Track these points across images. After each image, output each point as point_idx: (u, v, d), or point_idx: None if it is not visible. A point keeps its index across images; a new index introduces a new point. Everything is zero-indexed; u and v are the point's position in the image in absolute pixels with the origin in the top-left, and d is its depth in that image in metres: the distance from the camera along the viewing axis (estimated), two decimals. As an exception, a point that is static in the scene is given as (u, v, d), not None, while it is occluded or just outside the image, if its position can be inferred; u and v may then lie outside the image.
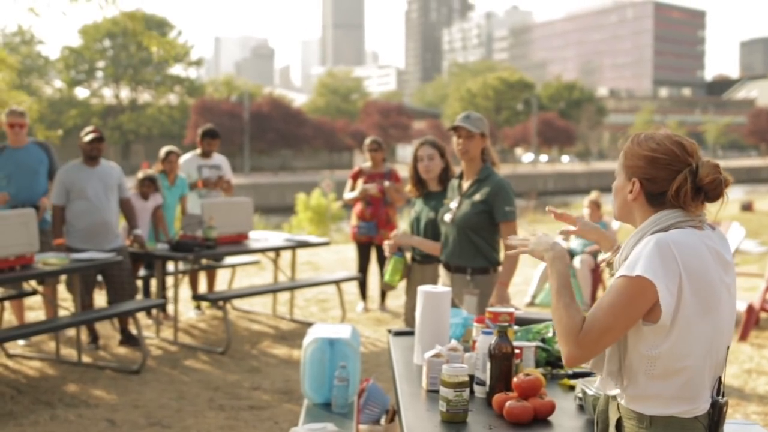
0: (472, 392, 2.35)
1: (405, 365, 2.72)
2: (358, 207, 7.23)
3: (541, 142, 63.52)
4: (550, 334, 2.69)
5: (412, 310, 3.83)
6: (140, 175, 6.78)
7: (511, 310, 2.65)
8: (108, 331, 6.50)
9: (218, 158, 7.39)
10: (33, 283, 5.81)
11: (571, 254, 7.88)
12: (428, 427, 2.13)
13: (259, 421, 4.44)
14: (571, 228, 2.34)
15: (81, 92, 56.40)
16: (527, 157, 71.26)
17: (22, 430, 4.28)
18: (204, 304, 7.27)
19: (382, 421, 3.20)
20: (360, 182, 7.20)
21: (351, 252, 10.68)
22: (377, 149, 7.22)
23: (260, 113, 49.72)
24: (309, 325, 6.04)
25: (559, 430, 2.12)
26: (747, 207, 20.69)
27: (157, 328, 6.42)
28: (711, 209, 1.92)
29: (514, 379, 2.24)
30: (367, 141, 7.37)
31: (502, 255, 3.96)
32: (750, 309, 6.28)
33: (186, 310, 7.29)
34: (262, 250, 6.88)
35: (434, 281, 4.20)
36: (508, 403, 2.15)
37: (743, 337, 6.23)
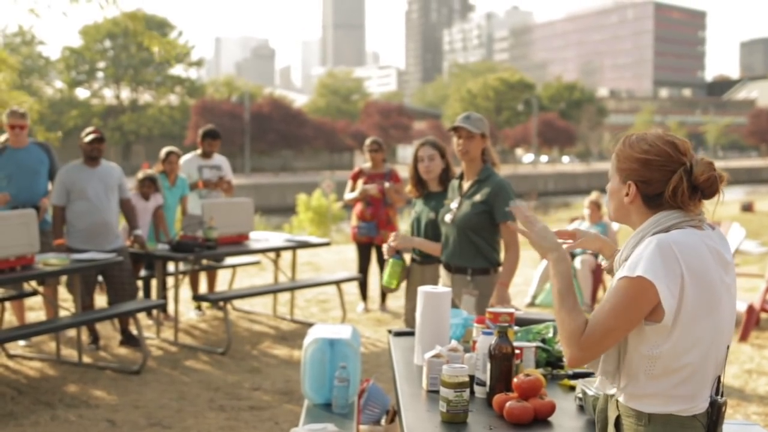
0: (472, 393, 2.35)
1: (405, 366, 2.72)
2: (358, 207, 7.23)
3: (542, 142, 63.52)
4: (550, 335, 2.69)
5: (412, 311, 3.83)
6: (140, 175, 6.78)
7: (511, 310, 2.65)
8: (108, 331, 6.50)
9: (219, 159, 7.39)
10: (33, 283, 5.81)
11: (572, 255, 7.88)
12: (428, 428, 2.13)
13: (260, 422, 4.45)
14: (569, 242, 2.31)
15: (82, 93, 56.45)
16: (528, 157, 71.28)
17: (23, 430, 4.29)
18: (204, 304, 7.27)
19: (383, 421, 3.20)
20: (360, 183, 7.20)
21: (351, 252, 10.68)
22: (377, 150, 7.22)
23: (261, 114, 49.74)
24: (309, 325, 6.04)
25: (559, 431, 2.12)
26: (747, 208, 20.69)
27: (158, 328, 6.42)
28: (708, 208, 1.92)
29: (515, 380, 2.24)
30: (368, 141, 7.38)
31: (502, 255, 3.96)
32: (750, 309, 6.28)
33: (186, 310, 7.29)
34: (263, 251, 6.88)
35: (434, 282, 4.20)
36: (508, 404, 2.15)
37: (743, 337, 6.23)
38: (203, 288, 7.49)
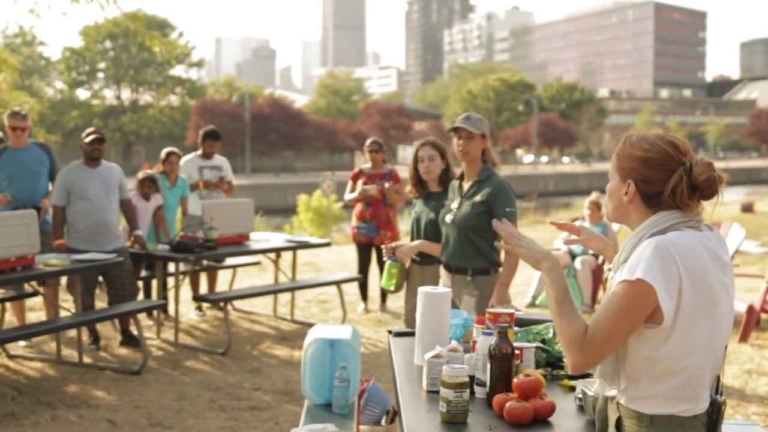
0: (472, 393, 2.35)
1: (405, 366, 2.72)
2: (358, 208, 7.23)
3: (542, 143, 63.53)
4: (550, 335, 2.69)
5: (412, 311, 3.83)
6: (141, 175, 6.79)
7: (511, 310, 2.65)
8: (109, 331, 6.50)
9: (219, 159, 7.39)
10: (34, 284, 5.82)
11: (572, 255, 7.88)
12: (428, 428, 2.13)
13: (260, 422, 4.45)
14: (574, 237, 2.33)
15: (82, 93, 56.51)
16: (528, 158, 71.28)
17: (23, 430, 4.29)
18: (205, 305, 7.28)
19: (383, 421, 3.20)
20: (360, 183, 7.20)
21: (352, 253, 10.68)
22: (377, 150, 7.23)
23: (261, 114, 49.76)
24: (310, 325, 6.04)
25: (559, 431, 2.12)
26: (747, 208, 20.68)
27: (158, 328, 6.42)
28: (707, 209, 1.92)
29: (515, 380, 2.24)
30: (368, 142, 7.38)
31: (502, 256, 3.96)
32: (750, 310, 6.28)
33: (187, 310, 7.30)
34: (263, 251, 6.89)
35: (435, 282, 4.20)
36: (508, 404, 2.15)
37: (743, 337, 6.23)
38: (204, 288, 7.50)
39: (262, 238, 7.16)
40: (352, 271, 8.81)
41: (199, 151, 7.35)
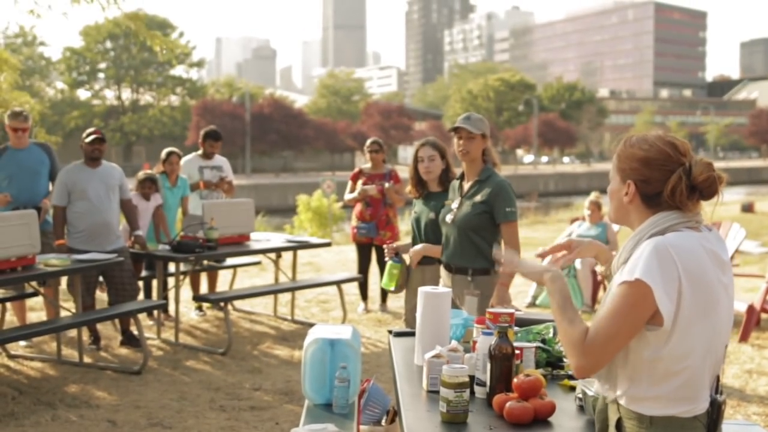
0: (472, 393, 2.35)
1: (405, 366, 2.72)
2: (358, 208, 7.24)
3: (542, 143, 63.52)
4: (550, 335, 2.70)
5: (412, 311, 3.84)
6: (141, 175, 6.79)
7: (511, 310, 2.65)
8: (109, 331, 6.51)
9: (219, 159, 7.40)
10: (34, 284, 5.82)
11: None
12: (428, 428, 2.13)
13: (260, 422, 4.45)
14: (567, 255, 2.28)
15: (83, 93, 56.53)
16: (528, 158, 71.27)
17: (24, 430, 4.29)
18: (205, 305, 7.28)
19: (383, 421, 3.20)
20: (360, 183, 7.21)
21: (352, 253, 10.68)
22: (378, 150, 7.23)
23: (261, 114, 49.77)
24: (310, 325, 6.04)
25: (559, 431, 2.12)
26: (748, 208, 20.69)
27: (159, 328, 6.42)
28: (707, 209, 1.93)
29: (515, 380, 2.24)
30: (368, 142, 7.39)
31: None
32: (751, 310, 6.28)
33: (187, 310, 7.30)
34: (264, 251, 6.89)
35: (435, 282, 4.20)
36: (508, 404, 2.15)
37: (744, 337, 6.23)
38: (204, 288, 7.50)
39: (262, 238, 7.16)
40: (352, 271, 8.82)
41: (200, 151, 7.35)
